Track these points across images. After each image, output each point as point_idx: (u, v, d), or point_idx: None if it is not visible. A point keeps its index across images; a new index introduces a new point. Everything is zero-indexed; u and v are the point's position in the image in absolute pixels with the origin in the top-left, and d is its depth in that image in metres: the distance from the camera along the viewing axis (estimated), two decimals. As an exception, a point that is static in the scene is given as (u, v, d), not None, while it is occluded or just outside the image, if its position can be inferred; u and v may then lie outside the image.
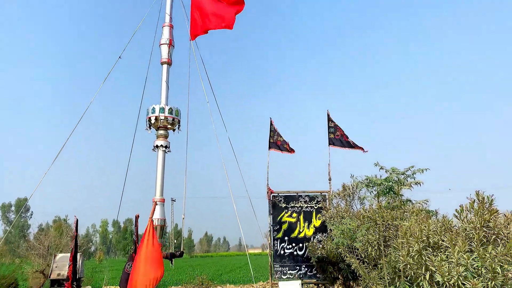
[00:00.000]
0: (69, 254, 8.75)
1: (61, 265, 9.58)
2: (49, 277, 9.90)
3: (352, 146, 14.35)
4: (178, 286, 22.98)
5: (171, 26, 10.28)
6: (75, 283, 7.65)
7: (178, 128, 9.92)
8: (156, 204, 9.03)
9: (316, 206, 14.24)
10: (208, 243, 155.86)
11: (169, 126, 9.73)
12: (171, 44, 10.18)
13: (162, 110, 9.65)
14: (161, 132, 9.73)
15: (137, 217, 7.52)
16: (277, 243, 14.10)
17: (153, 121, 9.59)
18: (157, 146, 9.64)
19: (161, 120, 9.60)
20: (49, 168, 8.93)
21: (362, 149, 14.45)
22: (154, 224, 7.54)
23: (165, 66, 10.08)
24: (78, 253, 7.65)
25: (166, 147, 9.69)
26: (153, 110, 9.63)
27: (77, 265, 7.90)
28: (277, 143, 14.98)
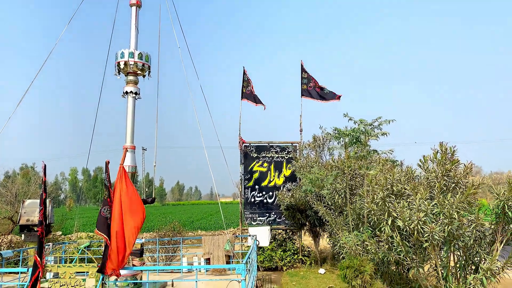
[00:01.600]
0: (38, 200, 8.58)
1: (29, 211, 9.41)
2: (18, 223, 9.74)
3: (324, 98, 14.27)
4: (149, 233, 23.30)
5: (140, -36, 9.62)
6: (45, 228, 7.47)
7: (149, 74, 9.58)
8: (126, 150, 8.86)
9: (286, 156, 14.41)
10: (180, 192, 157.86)
11: (138, 72, 9.36)
12: (140, -15, 9.58)
13: (131, 55, 9.23)
14: (131, 78, 9.36)
15: (107, 163, 7.35)
16: (248, 192, 14.34)
17: (122, 66, 9.19)
18: (126, 92, 9.31)
19: (131, 66, 9.21)
20: (13, 112, 8.49)
21: (337, 97, 14.41)
22: (125, 171, 7.35)
23: (134, 8, 9.51)
24: (47, 199, 7.42)
25: (136, 93, 9.39)
26: (122, 55, 9.19)
27: (47, 211, 7.67)
28: (251, 93, 14.81)
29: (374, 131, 9.61)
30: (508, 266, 7.57)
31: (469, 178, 8.34)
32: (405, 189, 8.21)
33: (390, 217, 7.77)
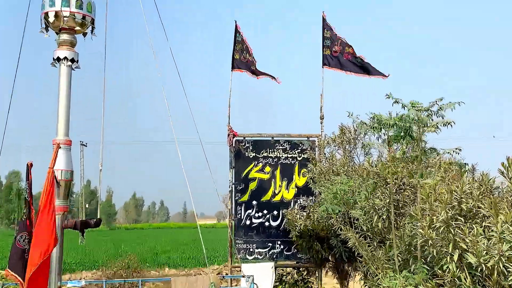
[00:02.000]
0: None
1: None
2: None
3: (360, 70, 14.74)
4: (92, 271, 23.62)
5: None
6: None
7: (92, 32, 9.71)
8: (59, 147, 8.88)
9: (300, 157, 14.91)
10: (138, 209, 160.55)
11: (77, 28, 9.40)
12: None
13: (65, 3, 9.29)
14: (65, 37, 9.39)
15: (29, 166, 7.47)
16: (241, 210, 14.88)
17: (51, 19, 9.23)
18: (58, 59, 9.32)
19: (65, 19, 9.23)
20: None
21: (382, 74, 14.86)
22: (57, 177, 7.73)
23: None
24: None
25: (72, 60, 9.39)
26: (52, 3, 9.27)
27: None
28: (246, 61, 15.45)
29: (432, 120, 9.80)
30: None
31: None
32: (480, 207, 8.49)
33: (457, 250, 8.05)
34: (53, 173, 7.57)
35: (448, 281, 8.24)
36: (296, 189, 14.88)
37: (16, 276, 7.18)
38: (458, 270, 8.05)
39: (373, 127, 10.29)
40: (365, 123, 10.23)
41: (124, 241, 50.55)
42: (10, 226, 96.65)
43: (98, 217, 9.83)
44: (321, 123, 14.93)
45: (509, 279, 7.34)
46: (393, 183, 10.42)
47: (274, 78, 15.96)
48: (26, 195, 7.53)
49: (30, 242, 7.34)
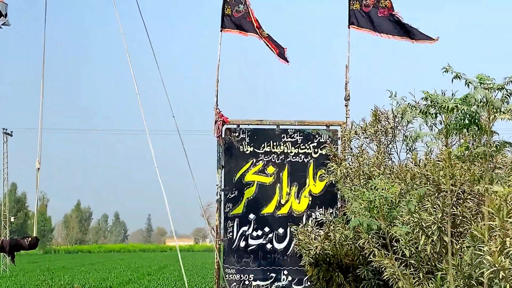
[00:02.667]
0: None
1: None
2: None
3: (400, 32, 15.02)
4: None
5: None
6: None
7: None
8: None
9: (316, 152, 15.08)
10: (83, 224, 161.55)
11: None
12: None
13: None
14: None
15: None
16: (232, 227, 15.07)
17: None
18: None
19: None
20: None
21: (429, 38, 15.07)
22: None
23: None
24: None
25: None
26: None
27: None
28: (244, 18, 15.60)
29: (507, 103, 9.91)
30: None
31: None
32: None
33: None
34: None
35: None
36: (311, 198, 14.90)
37: None
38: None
39: (423, 112, 10.26)
40: (414, 106, 10.22)
41: (65, 269, 50.59)
42: None
43: (34, 235, 10.16)
44: (346, 105, 14.85)
45: None
46: (450, 190, 10.42)
47: (282, 53, 15.99)
48: None
49: None
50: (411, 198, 10.71)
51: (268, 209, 14.76)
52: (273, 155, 14.93)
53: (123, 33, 10.17)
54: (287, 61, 16.18)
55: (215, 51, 15.42)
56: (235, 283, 14.44)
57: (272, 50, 15.86)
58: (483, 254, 8.90)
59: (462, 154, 10.35)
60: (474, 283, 10.17)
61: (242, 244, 14.70)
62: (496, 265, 8.36)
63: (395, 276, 11.31)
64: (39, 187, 9.75)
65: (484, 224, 9.28)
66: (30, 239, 9.23)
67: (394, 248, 11.84)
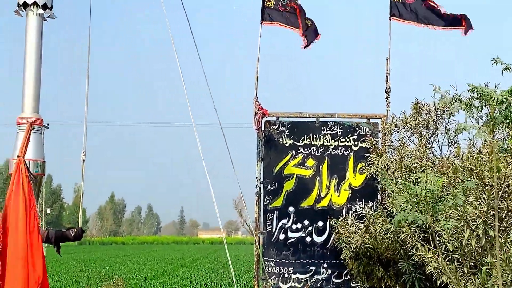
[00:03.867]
0: None
1: None
2: None
3: (440, 21, 15.19)
4: None
5: None
6: None
7: None
8: (31, 127, 9.27)
9: (356, 145, 15.26)
10: (117, 216, 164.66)
11: None
12: None
13: None
14: None
15: None
16: (272, 219, 15.20)
17: None
18: (25, 5, 9.78)
19: None
20: None
21: (464, 24, 15.27)
22: (26, 170, 8.22)
23: None
24: None
25: (45, 7, 9.89)
26: None
27: None
28: (279, 9, 15.69)
29: None
30: None
31: None
32: None
33: None
34: (25, 165, 8.00)
35: None
36: (351, 191, 15.06)
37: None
38: None
39: (468, 104, 10.25)
40: (459, 99, 10.17)
41: (100, 261, 51.15)
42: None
43: (79, 226, 10.38)
44: (386, 98, 14.90)
45: None
46: (496, 184, 10.39)
47: (310, 37, 16.05)
48: None
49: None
50: (457, 191, 10.67)
51: (308, 202, 14.98)
52: (312, 147, 15.14)
53: (169, 26, 10.23)
54: (308, 44, 16.36)
55: (256, 43, 15.59)
56: (274, 276, 14.65)
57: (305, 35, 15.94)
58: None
59: (507, 147, 10.32)
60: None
61: (282, 237, 14.92)
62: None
63: (439, 270, 11.34)
64: (84, 179, 9.95)
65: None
66: (75, 230, 9.37)
67: (438, 241, 11.90)
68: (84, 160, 9.82)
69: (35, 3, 9.38)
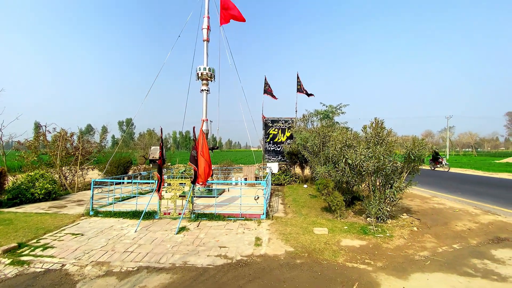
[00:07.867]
0: (158, 146, 26.09)
1: (153, 152, 26.49)
2: (148, 158, 29.93)
3: (307, 94, 34.35)
4: (215, 165, 46.91)
5: (208, 17, 27.43)
6: (162, 160, 19.08)
7: (213, 79, 26.74)
8: (204, 121, 24.88)
9: (288, 125, 33.74)
10: (230, 144, 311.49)
11: (208, 78, 26.11)
12: (208, 29, 27.33)
13: (204, 69, 26.27)
14: (204, 81, 26.50)
15: (194, 128, 19.06)
16: (266, 144, 33.62)
17: (199, 75, 26.52)
18: (202, 90, 25.95)
19: (204, 74, 26.28)
20: (145, 97, 27.75)
21: (312, 95, 34.84)
22: (203, 132, 17.92)
23: (205, 42, 27.37)
24: (163, 146, 18.66)
25: (207, 90, 26.18)
26: (199, 69, 26.90)
27: (163, 152, 19.35)
28: (268, 91, 34.22)
29: (337, 111, 30.07)
30: (408, 186, 18.20)
31: (390, 138, 18.44)
32: (353, 143, 18.20)
33: (344, 158, 17.44)
34: (202, 132, 18.38)
35: (340, 169, 18.59)
36: (286, 137, 32.61)
37: (192, 165, 17.98)
38: (344, 165, 17.78)
39: (315, 114, 32.72)
40: (312, 112, 32.06)
41: (226, 155, 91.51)
42: (187, 149, 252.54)
43: (217, 145, 26.65)
44: (295, 112, 33.24)
45: (363, 168, 16.73)
46: (322, 134, 25.86)
47: (274, 97, 34.21)
48: (193, 138, 18.78)
49: (197, 153, 17.87)
50: (312, 136, 26.11)
51: (276, 140, 33.81)
52: (277, 126, 33.77)
53: (244, 96, 27.70)
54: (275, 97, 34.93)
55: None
56: (266, 158, 31.03)
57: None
58: (330, 150, 20.37)
59: (325, 125, 30.28)
60: (328, 158, 22.11)
61: (269, 149, 34.28)
62: (333, 153, 19.58)
63: (308, 156, 26.30)
64: (218, 134, 23.95)
65: (330, 143, 20.54)
66: (216, 147, 17.29)
67: (307, 149, 26.79)
68: (218, 129, 25.73)
69: (205, 89, 22.33)
